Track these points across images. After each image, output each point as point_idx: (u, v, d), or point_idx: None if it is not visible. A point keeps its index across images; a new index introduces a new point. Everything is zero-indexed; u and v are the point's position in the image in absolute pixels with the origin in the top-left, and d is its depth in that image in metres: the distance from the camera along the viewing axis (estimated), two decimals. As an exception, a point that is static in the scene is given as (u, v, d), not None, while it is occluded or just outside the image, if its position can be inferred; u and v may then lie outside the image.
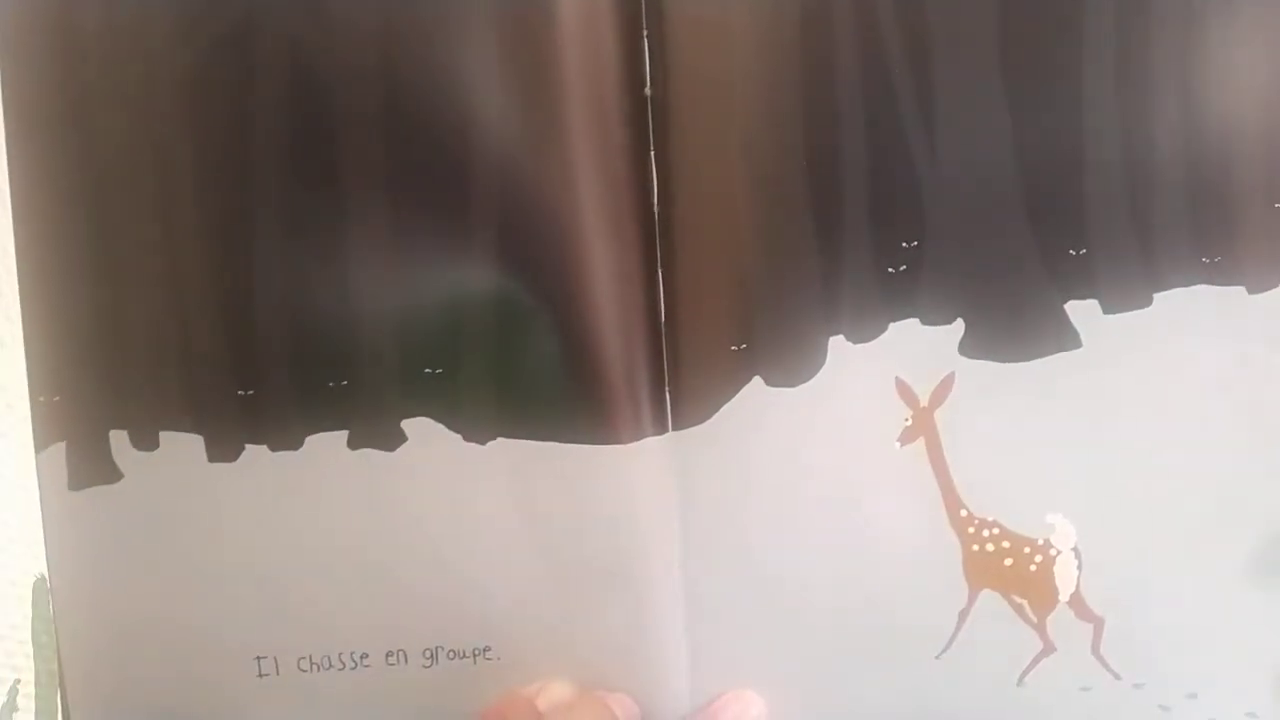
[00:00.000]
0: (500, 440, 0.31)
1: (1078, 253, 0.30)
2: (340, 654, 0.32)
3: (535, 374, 0.31)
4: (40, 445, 0.31)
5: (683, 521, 0.31)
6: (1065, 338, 0.30)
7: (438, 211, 0.30)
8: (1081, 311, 0.30)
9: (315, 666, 0.32)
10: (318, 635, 0.32)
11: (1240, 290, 0.30)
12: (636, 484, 0.31)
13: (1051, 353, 0.30)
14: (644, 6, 0.30)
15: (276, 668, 0.32)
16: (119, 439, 0.31)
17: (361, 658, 0.32)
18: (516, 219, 0.30)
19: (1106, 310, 0.30)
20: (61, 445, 0.31)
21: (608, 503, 0.31)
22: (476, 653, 0.32)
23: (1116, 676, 0.31)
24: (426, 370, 0.31)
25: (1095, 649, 0.31)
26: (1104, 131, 0.30)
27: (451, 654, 0.32)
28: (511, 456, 0.31)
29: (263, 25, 0.30)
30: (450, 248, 0.30)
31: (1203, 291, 0.30)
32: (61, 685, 0.32)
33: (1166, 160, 0.29)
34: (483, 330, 0.31)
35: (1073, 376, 0.30)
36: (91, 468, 0.31)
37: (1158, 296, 0.30)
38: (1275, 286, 0.29)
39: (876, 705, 0.31)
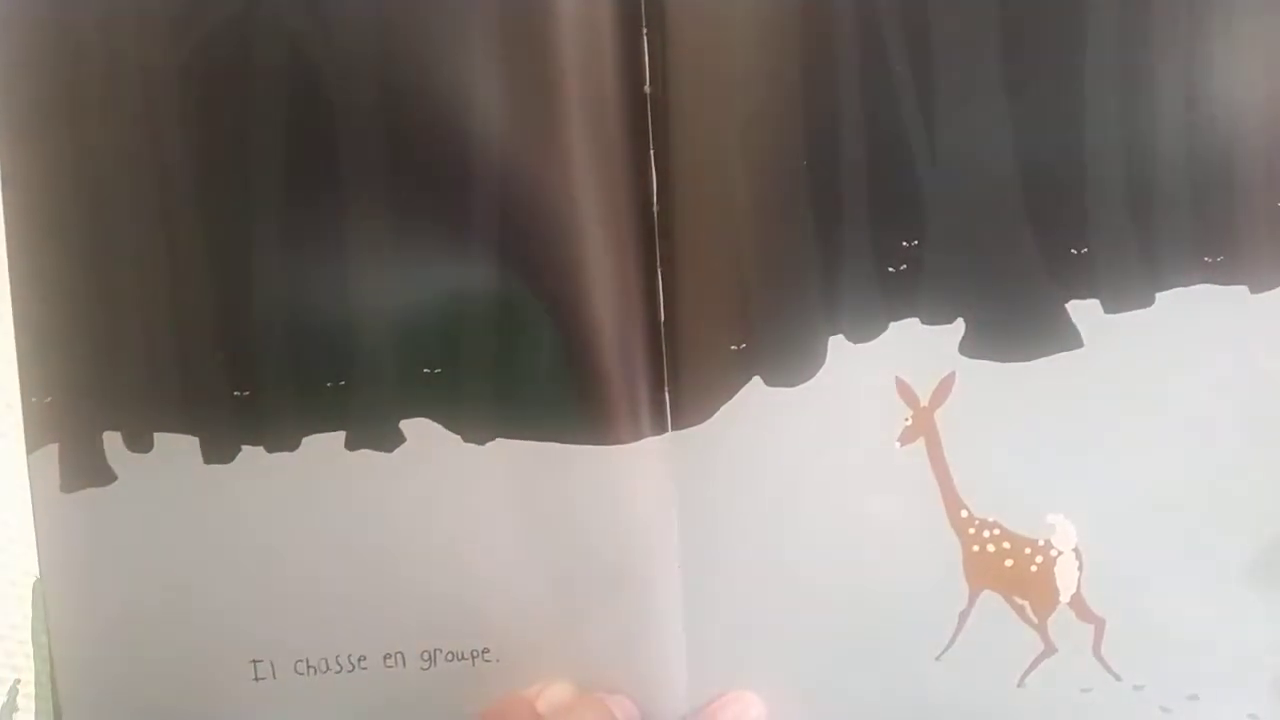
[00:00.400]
0: (499, 441, 0.31)
1: (1079, 252, 0.30)
2: (338, 656, 0.32)
3: (534, 374, 0.31)
4: (32, 447, 0.31)
5: (682, 521, 0.31)
6: (1066, 337, 0.30)
7: (436, 210, 0.30)
8: (1083, 311, 0.30)
9: (312, 669, 0.32)
10: (315, 638, 0.31)
11: (1243, 290, 0.29)
12: (636, 484, 0.31)
13: (1053, 352, 0.30)
14: (644, 4, 0.30)
15: (273, 671, 0.31)
16: (112, 440, 0.31)
17: (359, 660, 0.32)
18: (515, 217, 0.30)
19: (1108, 310, 0.30)
20: (54, 447, 0.31)
21: (607, 503, 0.31)
22: (475, 654, 0.32)
23: (1117, 678, 0.30)
24: (425, 370, 0.31)
25: (1096, 650, 0.30)
26: (1105, 130, 0.29)
27: (450, 656, 0.32)
28: (510, 457, 0.31)
29: (260, 20, 0.30)
30: (449, 247, 0.30)
31: (1205, 291, 0.30)
32: (54, 690, 0.32)
33: (1168, 159, 0.29)
34: (482, 330, 0.31)
35: (1074, 376, 0.30)
36: (84, 470, 0.31)
37: (1160, 296, 0.30)
38: (1278, 286, 0.29)
39: (876, 706, 0.31)
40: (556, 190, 0.30)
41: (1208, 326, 0.30)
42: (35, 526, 0.31)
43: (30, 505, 0.31)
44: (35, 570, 0.33)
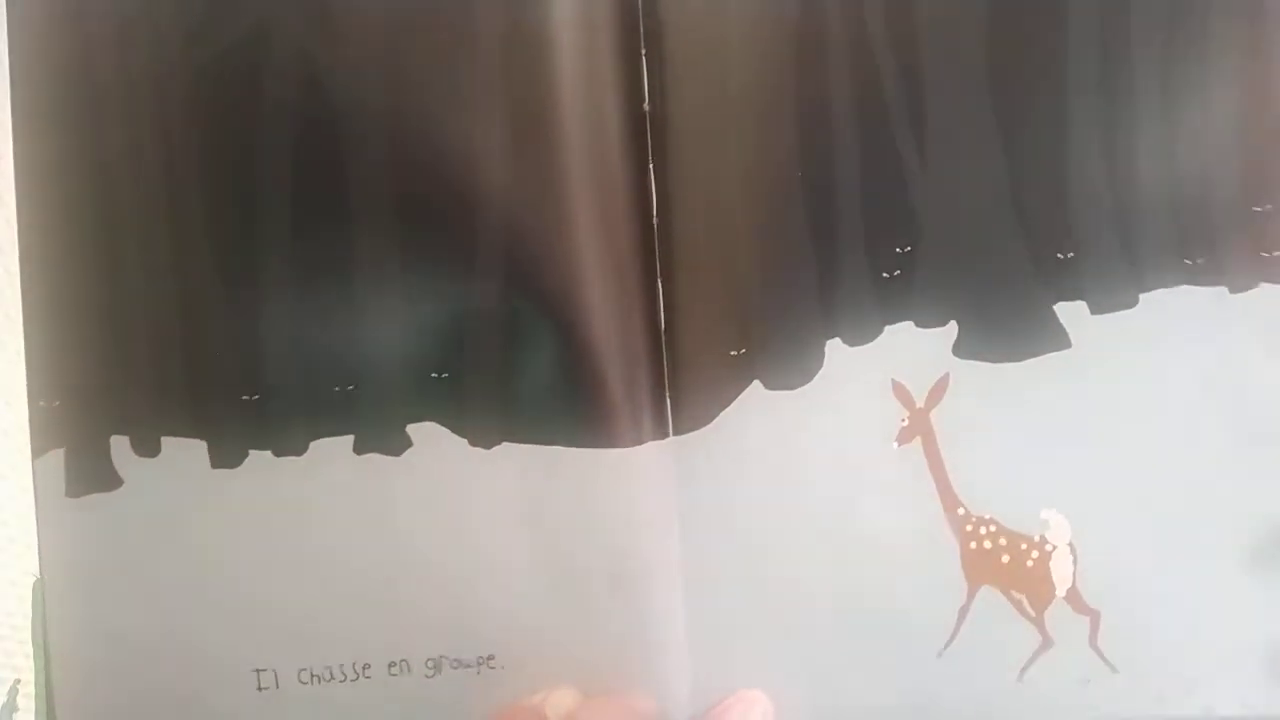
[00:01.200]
0: (505, 445, 0.31)
1: (1065, 256, 0.31)
2: (342, 665, 0.31)
3: (539, 379, 0.31)
4: (38, 451, 0.31)
5: (684, 524, 0.31)
6: (1055, 338, 0.31)
7: (444, 221, 0.31)
8: (1070, 312, 0.31)
9: (316, 679, 0.31)
10: (319, 646, 0.31)
11: (1223, 290, 0.31)
12: (639, 487, 0.31)
13: (1042, 353, 0.31)
14: (643, 31, 0.31)
15: (276, 681, 0.31)
16: (120, 445, 0.31)
17: (364, 668, 0.31)
18: (519, 228, 0.31)
19: (1094, 311, 0.31)
20: (60, 452, 0.31)
21: (611, 507, 0.31)
22: (480, 661, 0.32)
23: (1114, 669, 0.31)
24: (432, 375, 0.31)
25: (1093, 642, 0.31)
26: (1088, 139, 0.31)
27: (455, 663, 0.32)
28: (516, 461, 0.31)
29: (270, 35, 0.31)
30: (456, 256, 0.31)
31: (1186, 292, 0.31)
32: (50, 697, 0.31)
33: (1148, 166, 0.31)
34: (488, 336, 0.31)
35: (1063, 375, 0.31)
36: (91, 475, 0.31)
37: (1143, 297, 0.31)
38: (1256, 286, 0.31)
39: (879, 703, 0.31)
40: (559, 203, 0.31)
41: (1189, 326, 0.31)
42: (39, 533, 0.31)
43: (32, 507, 0.31)
44: (37, 569, 0.33)
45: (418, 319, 0.31)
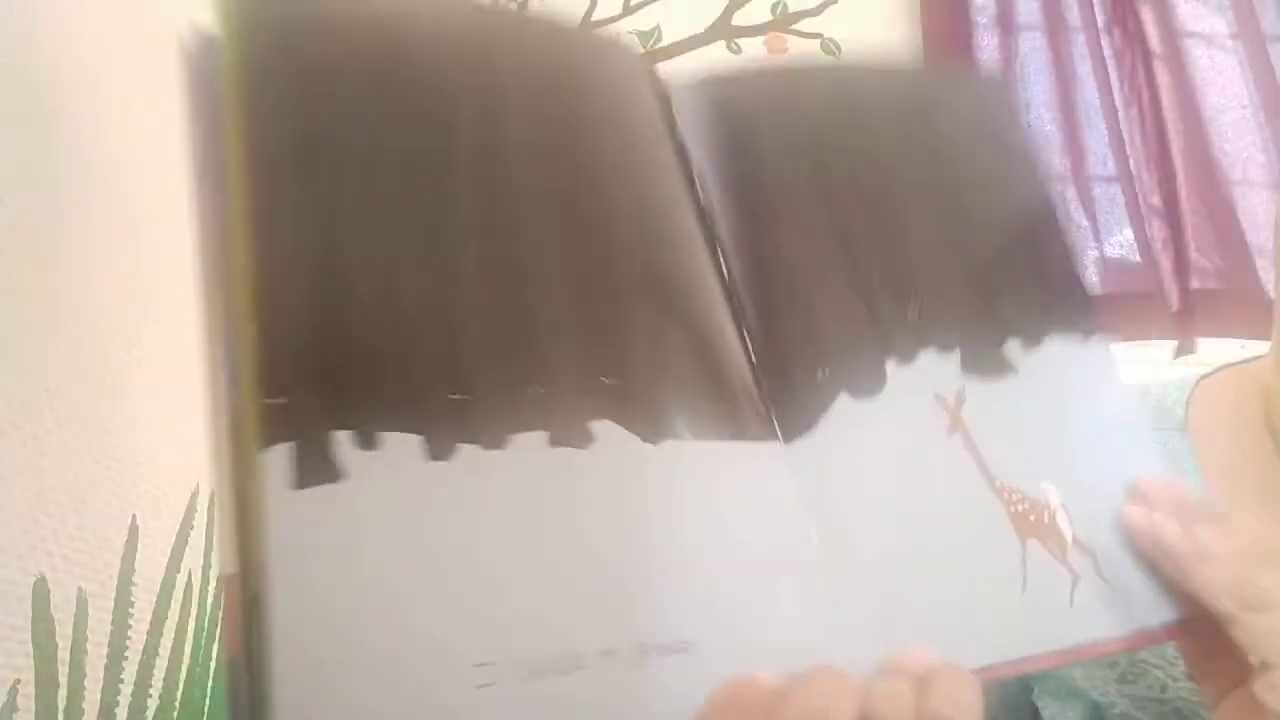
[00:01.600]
0: (669, 441, 0.35)
1: (999, 318, 0.44)
2: (556, 657, 0.31)
3: (684, 386, 0.36)
4: (264, 444, 0.29)
5: (808, 508, 0.36)
6: (1007, 365, 0.43)
7: (606, 270, 0.37)
8: (1013, 347, 0.44)
9: (534, 673, 0.30)
10: (534, 638, 0.31)
11: (1080, 335, 0.46)
12: (775, 481, 0.37)
13: (1004, 375, 0.43)
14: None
15: (497, 675, 0.30)
16: (342, 439, 0.30)
17: (577, 658, 0.31)
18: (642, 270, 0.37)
19: (1024, 348, 0.44)
20: (286, 445, 0.29)
21: (762, 494, 0.36)
22: (679, 646, 0.32)
23: (1114, 588, 0.41)
24: (603, 379, 0.34)
25: (1099, 574, 0.41)
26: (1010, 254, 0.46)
27: (658, 649, 0.32)
28: (680, 455, 0.35)
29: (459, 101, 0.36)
30: (610, 291, 0.36)
31: (1059, 339, 0.45)
32: (270, 688, 0.27)
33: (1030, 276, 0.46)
34: (641, 350, 0.36)
35: (1017, 388, 0.43)
36: (316, 467, 0.30)
37: (1044, 339, 0.45)
38: (1097, 334, 0.46)
39: (986, 636, 0.38)
40: (667, 252, 0.38)
41: (1066, 356, 0.45)
42: (267, 523, 0.28)
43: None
44: (36, 570, 0.33)
45: (589, 332, 0.35)
